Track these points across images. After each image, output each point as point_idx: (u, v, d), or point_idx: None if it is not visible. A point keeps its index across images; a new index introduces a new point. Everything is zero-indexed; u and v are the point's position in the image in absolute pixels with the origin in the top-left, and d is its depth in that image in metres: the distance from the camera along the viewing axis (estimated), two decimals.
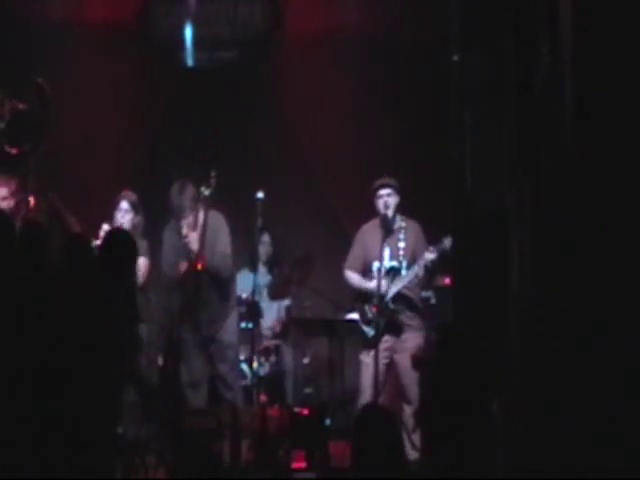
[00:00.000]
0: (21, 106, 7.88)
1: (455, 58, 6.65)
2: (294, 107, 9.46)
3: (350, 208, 9.03)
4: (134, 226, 7.96)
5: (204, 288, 7.83)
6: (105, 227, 7.83)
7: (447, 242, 7.45)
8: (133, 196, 8.09)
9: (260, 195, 7.89)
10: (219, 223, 7.97)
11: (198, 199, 7.83)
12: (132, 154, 9.50)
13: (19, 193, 7.68)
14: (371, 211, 7.93)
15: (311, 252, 8.86)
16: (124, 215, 8.00)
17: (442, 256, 7.60)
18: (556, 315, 4.70)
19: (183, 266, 7.87)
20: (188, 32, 9.82)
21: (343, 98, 9.38)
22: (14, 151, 7.88)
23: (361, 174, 8.64)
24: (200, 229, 7.84)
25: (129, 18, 9.79)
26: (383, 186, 7.79)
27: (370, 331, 7.72)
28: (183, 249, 7.88)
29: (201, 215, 7.86)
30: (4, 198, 7.53)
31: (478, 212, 6.29)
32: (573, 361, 4.46)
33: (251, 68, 9.74)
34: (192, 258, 7.81)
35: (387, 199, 7.76)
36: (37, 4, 9.48)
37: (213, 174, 7.81)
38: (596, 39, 4.39)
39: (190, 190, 7.84)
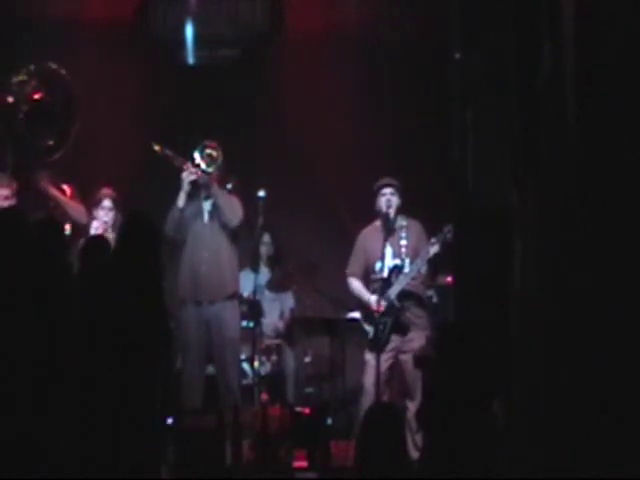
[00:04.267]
0: (37, 96, 7.90)
1: (457, 56, 6.64)
2: (294, 106, 9.44)
3: (351, 207, 9.02)
4: (114, 223, 7.96)
5: (205, 240, 8.03)
6: (95, 225, 7.89)
7: (447, 230, 7.46)
8: (114, 193, 8.16)
9: (261, 194, 7.89)
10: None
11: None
12: (131, 152, 9.48)
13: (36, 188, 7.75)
14: (372, 210, 7.92)
15: (316, 261, 8.86)
16: (107, 213, 8.06)
17: (445, 248, 7.59)
18: (558, 314, 4.69)
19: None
20: (189, 30, 9.80)
21: (344, 97, 9.37)
22: (41, 144, 7.91)
23: (362, 173, 8.63)
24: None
25: (129, 16, 9.77)
26: (386, 185, 7.79)
27: (371, 330, 7.71)
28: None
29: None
30: (6, 198, 7.55)
31: (480, 211, 6.29)
32: (574, 360, 4.45)
33: (252, 66, 9.72)
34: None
35: (390, 197, 7.77)
36: (37, 2, 9.46)
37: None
38: (598, 37, 4.38)
39: (220, 157, 8.08)
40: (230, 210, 8.01)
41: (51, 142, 7.99)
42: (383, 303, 7.65)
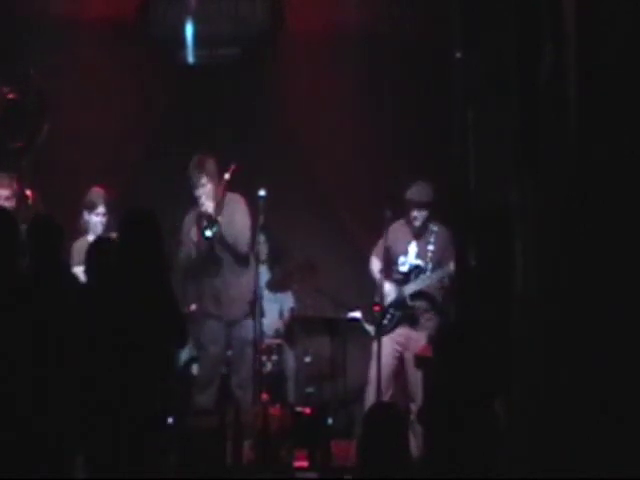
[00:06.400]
0: (11, 96, 7.85)
1: (457, 56, 6.65)
2: (295, 105, 9.44)
3: (351, 207, 9.02)
4: (108, 227, 7.74)
5: (222, 265, 7.97)
6: (90, 238, 7.62)
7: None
8: (106, 195, 7.93)
9: (262, 193, 7.87)
10: (238, 200, 8.05)
11: (217, 174, 7.90)
12: (131, 152, 9.49)
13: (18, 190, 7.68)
14: (372, 210, 7.93)
15: (315, 260, 8.86)
16: (102, 220, 7.85)
17: None
18: (558, 314, 4.69)
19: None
20: (189, 29, 9.79)
21: (344, 97, 9.36)
22: (11, 145, 7.86)
23: (362, 173, 8.63)
24: (216, 199, 7.90)
25: (129, 15, 9.76)
26: (417, 204, 7.78)
27: (372, 330, 7.72)
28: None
29: (220, 189, 7.93)
30: (7, 198, 7.54)
31: (480, 211, 6.29)
32: (574, 360, 4.45)
33: (251, 66, 9.72)
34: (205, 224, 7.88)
35: (416, 214, 7.80)
36: (38, 2, 9.46)
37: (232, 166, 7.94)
38: (599, 37, 4.38)
39: (210, 164, 7.92)
40: (235, 243, 7.98)
41: (21, 144, 7.92)
42: (394, 294, 7.69)
